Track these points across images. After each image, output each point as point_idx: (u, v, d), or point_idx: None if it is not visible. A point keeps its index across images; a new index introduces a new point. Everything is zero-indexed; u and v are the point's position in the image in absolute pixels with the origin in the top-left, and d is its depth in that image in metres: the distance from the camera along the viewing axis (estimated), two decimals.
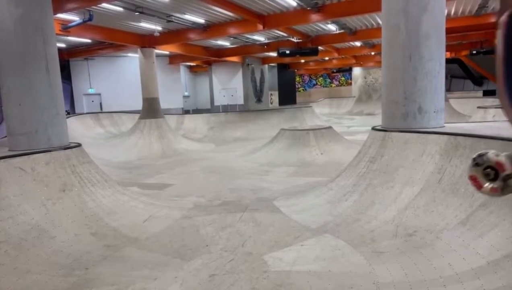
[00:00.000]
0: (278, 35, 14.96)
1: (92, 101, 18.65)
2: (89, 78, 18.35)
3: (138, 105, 14.16)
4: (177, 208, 5.39)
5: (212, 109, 22.19)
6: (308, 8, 10.46)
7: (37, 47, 5.01)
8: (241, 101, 22.00)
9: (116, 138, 13.30)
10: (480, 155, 0.97)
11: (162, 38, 12.88)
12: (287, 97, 27.24)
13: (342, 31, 14.38)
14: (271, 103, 24.28)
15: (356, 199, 4.76)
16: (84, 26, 10.57)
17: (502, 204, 3.27)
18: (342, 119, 21.29)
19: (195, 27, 12.20)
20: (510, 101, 0.57)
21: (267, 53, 19.59)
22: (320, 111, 22.80)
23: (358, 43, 18.69)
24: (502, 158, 0.92)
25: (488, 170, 0.94)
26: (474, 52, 17.65)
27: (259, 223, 4.64)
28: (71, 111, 17.70)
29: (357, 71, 27.92)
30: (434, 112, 4.95)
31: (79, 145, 5.52)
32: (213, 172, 8.29)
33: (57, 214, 4.33)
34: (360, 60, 24.61)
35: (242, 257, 3.66)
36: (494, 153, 0.95)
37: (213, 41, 15.70)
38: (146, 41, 13.10)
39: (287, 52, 15.27)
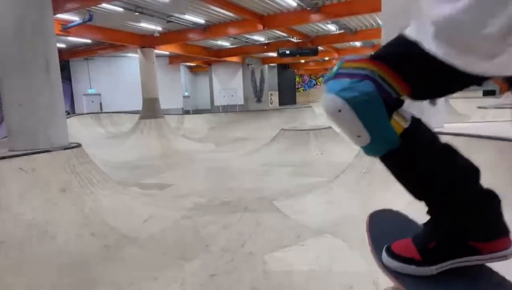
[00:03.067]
0: (278, 35, 14.98)
1: (92, 101, 18.66)
2: (89, 78, 18.37)
3: (138, 105, 14.17)
4: (177, 208, 5.39)
5: (212, 109, 22.20)
6: (308, 8, 10.48)
7: (37, 47, 5.00)
8: (241, 101, 22.00)
9: (116, 138, 13.30)
10: None
11: (162, 38, 12.89)
12: (287, 97, 27.26)
13: (342, 31, 14.40)
14: (271, 103, 24.28)
15: (356, 199, 4.76)
16: (84, 26, 10.59)
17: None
18: None
19: (195, 27, 12.21)
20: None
21: (267, 53, 19.62)
22: (320, 111, 22.74)
23: (358, 43, 18.71)
24: None
25: None
26: None
27: (259, 223, 4.64)
28: (71, 111, 17.72)
29: None
30: (434, 112, 4.94)
31: (79, 145, 5.51)
32: (213, 172, 8.29)
33: (57, 214, 4.32)
34: None
35: (242, 257, 3.65)
36: None
37: (213, 41, 15.72)
38: (146, 41, 13.11)
39: (287, 52, 15.29)
